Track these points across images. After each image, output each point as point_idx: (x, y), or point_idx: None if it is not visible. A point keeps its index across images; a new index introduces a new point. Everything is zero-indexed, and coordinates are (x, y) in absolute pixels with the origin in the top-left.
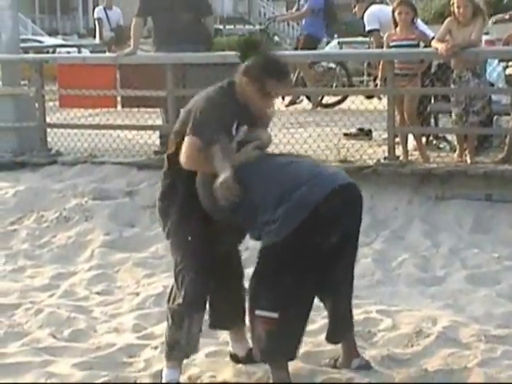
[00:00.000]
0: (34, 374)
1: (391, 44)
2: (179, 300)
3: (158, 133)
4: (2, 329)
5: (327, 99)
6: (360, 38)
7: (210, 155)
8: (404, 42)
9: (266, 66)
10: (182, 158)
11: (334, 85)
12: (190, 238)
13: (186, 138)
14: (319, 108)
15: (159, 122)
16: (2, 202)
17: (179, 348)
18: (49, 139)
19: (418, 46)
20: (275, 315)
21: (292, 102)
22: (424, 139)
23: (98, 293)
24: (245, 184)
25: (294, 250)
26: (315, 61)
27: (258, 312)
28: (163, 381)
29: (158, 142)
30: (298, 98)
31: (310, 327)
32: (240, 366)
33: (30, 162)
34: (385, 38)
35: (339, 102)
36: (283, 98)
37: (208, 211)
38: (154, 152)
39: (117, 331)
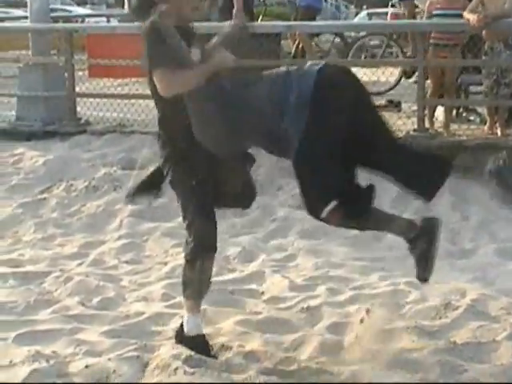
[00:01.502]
0: (63, 341)
1: (434, 13)
2: (191, 244)
3: None
4: (32, 296)
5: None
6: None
7: (187, 74)
8: (449, 12)
9: None
10: (162, 91)
11: (363, 56)
12: (194, 183)
13: (154, 75)
14: None
15: None
16: (31, 170)
17: (193, 286)
18: (78, 109)
19: (460, 17)
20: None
21: None
22: (454, 112)
23: (126, 262)
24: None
25: (322, 145)
26: (345, 31)
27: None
28: (186, 330)
29: None
30: None
31: (337, 298)
32: (267, 335)
33: (59, 132)
34: (426, 6)
35: None
36: None
37: (213, 149)
38: None
39: (145, 300)
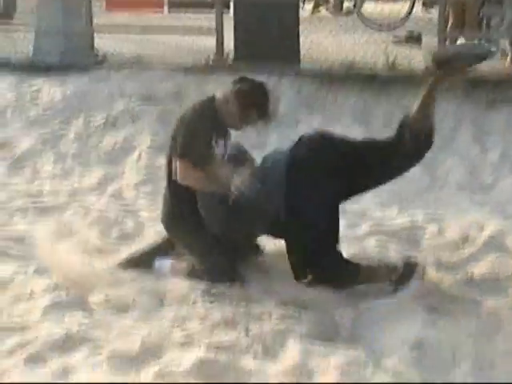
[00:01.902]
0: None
1: None
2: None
3: (203, 37)
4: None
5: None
6: None
7: (207, 173)
8: None
9: (257, 97)
10: (179, 178)
11: None
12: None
13: (178, 161)
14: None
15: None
16: (50, 104)
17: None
18: (96, 42)
19: None
20: None
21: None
22: None
23: (145, 194)
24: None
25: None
26: None
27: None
28: None
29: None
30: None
31: (355, 232)
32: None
33: (77, 65)
34: None
35: None
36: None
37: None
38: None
39: (164, 233)
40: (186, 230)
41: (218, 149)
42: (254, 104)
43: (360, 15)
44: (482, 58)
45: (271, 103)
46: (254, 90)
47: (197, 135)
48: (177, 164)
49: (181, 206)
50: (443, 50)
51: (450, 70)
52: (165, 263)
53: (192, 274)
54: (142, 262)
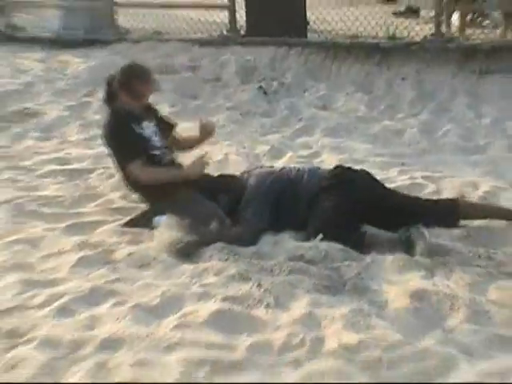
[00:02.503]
0: (107, 232)
1: None
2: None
3: (218, 12)
4: (78, 191)
5: None
6: None
7: (153, 172)
8: None
9: (132, 71)
10: (140, 180)
11: None
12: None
13: (127, 169)
14: None
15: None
16: (75, 75)
17: None
18: (118, 19)
19: None
20: None
21: None
22: (469, 17)
23: None
24: None
25: None
26: None
27: None
28: None
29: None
30: None
31: None
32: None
33: (100, 40)
34: None
35: None
36: None
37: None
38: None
39: None
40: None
41: (147, 130)
42: (130, 80)
43: None
44: None
45: (143, 71)
46: (123, 71)
47: (119, 140)
48: (129, 171)
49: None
50: None
51: None
52: (162, 219)
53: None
54: (143, 221)
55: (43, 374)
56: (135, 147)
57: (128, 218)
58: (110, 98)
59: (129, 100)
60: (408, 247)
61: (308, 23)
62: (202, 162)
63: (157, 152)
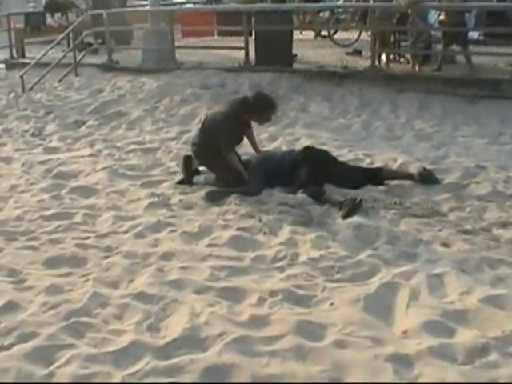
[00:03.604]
0: (167, 186)
1: None
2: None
3: (238, 51)
4: (149, 161)
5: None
6: None
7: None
8: None
9: (271, 105)
10: (224, 153)
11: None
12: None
13: (223, 151)
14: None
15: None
16: (150, 90)
17: None
18: (176, 55)
19: (392, 1)
20: None
21: (317, 35)
22: (391, 57)
23: None
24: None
25: None
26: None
27: None
28: None
29: (240, 56)
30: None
31: None
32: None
33: (165, 68)
34: None
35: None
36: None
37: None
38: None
39: None
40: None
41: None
42: (265, 111)
43: (331, 38)
44: None
45: (275, 106)
46: (263, 100)
47: (229, 134)
48: (225, 152)
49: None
50: None
51: None
52: (200, 178)
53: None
54: (187, 181)
55: (126, 274)
56: (233, 143)
57: (178, 179)
58: (239, 106)
59: (252, 119)
60: (340, 208)
61: (296, 56)
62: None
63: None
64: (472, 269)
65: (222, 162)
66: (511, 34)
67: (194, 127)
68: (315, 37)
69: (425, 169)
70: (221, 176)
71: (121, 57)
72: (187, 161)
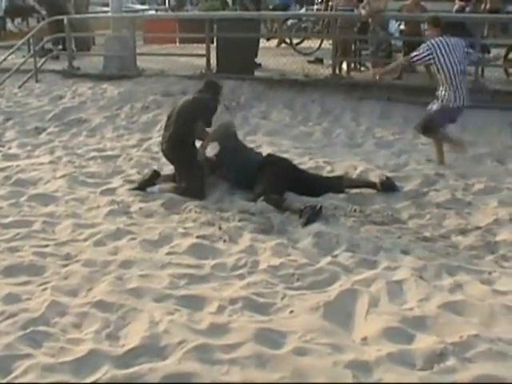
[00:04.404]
0: (126, 194)
1: (339, 8)
2: None
3: (199, 58)
4: (110, 169)
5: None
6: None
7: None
8: (347, 7)
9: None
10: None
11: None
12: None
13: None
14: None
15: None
16: (111, 97)
17: None
18: (138, 62)
19: (353, 10)
20: None
21: (280, 43)
22: (352, 65)
23: None
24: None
25: None
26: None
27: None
28: None
29: (201, 63)
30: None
31: None
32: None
33: (127, 75)
34: (334, 4)
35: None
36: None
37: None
38: (203, 70)
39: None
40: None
41: None
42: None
43: (293, 47)
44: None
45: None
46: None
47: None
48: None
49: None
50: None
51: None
52: (154, 188)
53: (183, 193)
54: (141, 187)
55: (85, 282)
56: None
57: (134, 186)
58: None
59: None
60: (300, 215)
61: (260, 65)
62: None
63: None
64: (431, 275)
65: (190, 156)
66: (471, 44)
67: (155, 134)
68: (278, 45)
69: (387, 177)
70: (184, 175)
71: (82, 63)
72: (154, 176)
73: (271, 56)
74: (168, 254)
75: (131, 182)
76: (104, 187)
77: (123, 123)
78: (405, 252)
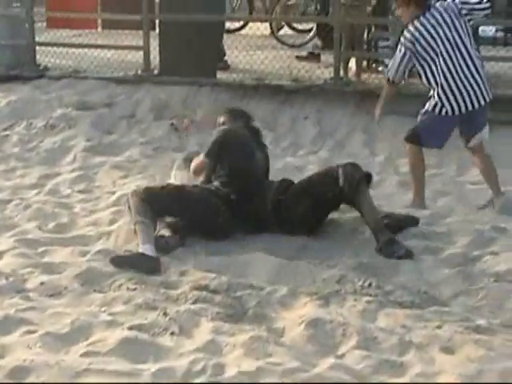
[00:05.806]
0: (21, 262)
1: None
2: None
3: (133, 52)
4: None
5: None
6: None
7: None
8: None
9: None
10: None
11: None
12: None
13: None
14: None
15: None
16: None
17: None
18: (38, 56)
19: None
20: None
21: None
22: (365, 63)
23: (79, 191)
24: None
25: None
26: None
27: None
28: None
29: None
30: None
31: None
32: None
33: (20, 76)
34: None
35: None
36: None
37: None
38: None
39: (94, 225)
40: None
41: None
42: None
43: (275, 35)
44: None
45: None
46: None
47: None
48: None
49: None
50: None
51: None
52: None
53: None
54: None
55: None
56: None
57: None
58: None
59: None
60: None
61: (227, 64)
62: None
63: None
64: None
65: None
66: None
67: (66, 168)
68: (275, 31)
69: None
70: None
71: None
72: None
73: (242, 49)
74: (84, 355)
75: (32, 241)
76: None
77: (15, 151)
78: (447, 350)
